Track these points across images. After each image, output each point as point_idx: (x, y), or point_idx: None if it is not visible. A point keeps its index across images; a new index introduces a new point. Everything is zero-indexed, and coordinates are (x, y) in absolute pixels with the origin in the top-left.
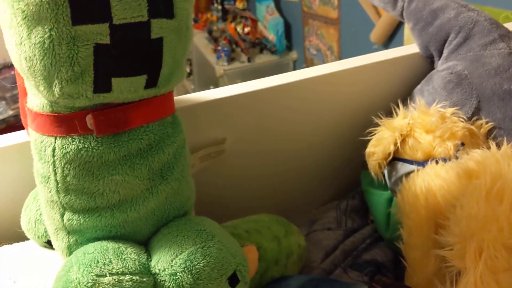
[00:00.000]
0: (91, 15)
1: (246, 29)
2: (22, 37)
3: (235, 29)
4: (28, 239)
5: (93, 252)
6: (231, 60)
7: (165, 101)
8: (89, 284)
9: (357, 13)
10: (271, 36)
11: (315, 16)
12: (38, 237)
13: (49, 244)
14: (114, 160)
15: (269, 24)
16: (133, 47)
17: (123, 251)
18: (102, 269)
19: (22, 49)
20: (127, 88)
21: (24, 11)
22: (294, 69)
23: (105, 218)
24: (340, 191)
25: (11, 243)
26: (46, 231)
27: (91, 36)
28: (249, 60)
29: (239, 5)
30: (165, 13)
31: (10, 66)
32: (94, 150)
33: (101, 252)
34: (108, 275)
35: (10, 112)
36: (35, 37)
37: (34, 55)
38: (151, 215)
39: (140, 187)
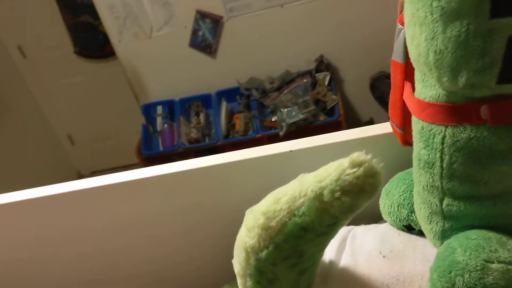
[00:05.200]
0: (511, 7)
1: None
2: (435, 32)
3: None
4: (380, 222)
5: (476, 239)
6: None
7: None
8: (478, 268)
9: None
10: None
11: None
12: (399, 220)
13: (406, 228)
14: (503, 150)
15: None
16: None
17: (506, 241)
18: (490, 256)
19: (433, 43)
20: None
21: (443, 8)
22: None
23: (485, 208)
24: None
25: (367, 223)
26: (407, 215)
27: (507, 28)
28: None
29: None
30: None
31: (303, 75)
32: (485, 140)
33: (484, 240)
34: (496, 262)
35: (301, 116)
36: (451, 31)
37: (446, 48)
38: None
39: None
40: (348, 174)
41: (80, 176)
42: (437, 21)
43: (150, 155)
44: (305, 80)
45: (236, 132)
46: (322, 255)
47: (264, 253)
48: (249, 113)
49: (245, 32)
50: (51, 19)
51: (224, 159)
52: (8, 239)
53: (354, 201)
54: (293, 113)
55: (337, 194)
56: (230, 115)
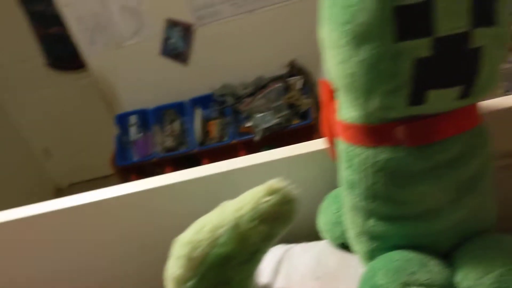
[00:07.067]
0: (416, 30)
1: None
2: (346, 55)
3: None
4: (321, 239)
5: (398, 260)
6: None
7: (474, 111)
8: None
9: None
10: None
11: None
12: (335, 238)
13: (343, 246)
14: (421, 170)
15: None
16: (452, 58)
17: (427, 262)
18: (408, 279)
19: (346, 66)
20: (440, 100)
21: (352, 32)
22: None
23: (408, 227)
24: None
25: (308, 241)
26: (342, 234)
27: (413, 51)
28: None
29: None
30: (487, 21)
31: (275, 80)
32: (403, 161)
33: (406, 261)
34: (414, 285)
35: (275, 121)
36: (361, 55)
37: (358, 72)
38: (454, 228)
39: (445, 198)
40: (263, 202)
41: (58, 190)
42: (348, 44)
43: (125, 166)
44: (278, 85)
45: (211, 139)
46: (252, 280)
47: (190, 283)
48: (224, 119)
49: (216, 39)
50: (21, 31)
51: (159, 182)
52: None
53: (271, 230)
54: (267, 118)
55: (253, 223)
56: (205, 122)
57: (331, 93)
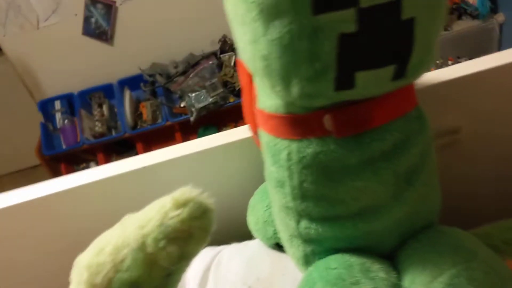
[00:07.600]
0: (336, 0)
1: None
2: (257, 34)
3: None
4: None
5: (336, 268)
6: None
7: (409, 93)
8: None
9: None
10: None
11: None
12: (267, 238)
13: (277, 246)
14: (355, 164)
15: None
16: (381, 33)
17: (369, 267)
18: None
19: (257, 47)
20: (372, 82)
21: (259, 4)
22: (501, 34)
23: (345, 228)
24: None
25: (239, 241)
26: (275, 233)
27: (335, 25)
28: (446, 29)
29: None
30: None
31: (208, 57)
32: (334, 154)
33: (346, 268)
34: None
35: (210, 100)
36: (273, 32)
37: (271, 53)
38: (397, 225)
39: (384, 194)
40: (171, 218)
41: None
42: (256, 20)
43: (53, 155)
44: (210, 62)
45: (144, 122)
46: None
47: None
48: (156, 101)
49: (142, 15)
50: None
51: (67, 184)
52: None
53: (183, 249)
54: (202, 97)
55: (161, 244)
56: (136, 104)
57: (250, 77)
